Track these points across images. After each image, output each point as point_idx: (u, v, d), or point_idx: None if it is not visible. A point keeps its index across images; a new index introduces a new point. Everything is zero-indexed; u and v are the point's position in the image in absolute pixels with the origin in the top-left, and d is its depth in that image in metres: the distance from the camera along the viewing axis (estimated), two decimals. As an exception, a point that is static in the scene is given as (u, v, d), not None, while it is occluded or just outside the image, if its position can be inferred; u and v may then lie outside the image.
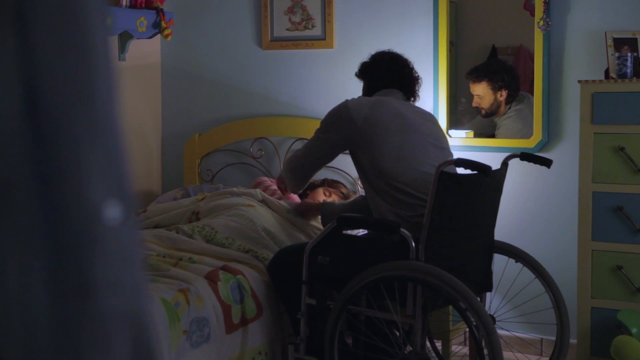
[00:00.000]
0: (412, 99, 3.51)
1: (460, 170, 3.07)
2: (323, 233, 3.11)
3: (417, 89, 3.54)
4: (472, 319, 2.82)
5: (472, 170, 2.88)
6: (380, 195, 3.18)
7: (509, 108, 4.19)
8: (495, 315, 3.38)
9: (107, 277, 0.63)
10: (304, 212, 3.93)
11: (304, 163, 3.46)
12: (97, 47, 0.66)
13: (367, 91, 3.54)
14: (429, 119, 3.43)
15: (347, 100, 3.37)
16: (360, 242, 3.10)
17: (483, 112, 4.23)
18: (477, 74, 4.21)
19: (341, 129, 3.28)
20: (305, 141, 3.70)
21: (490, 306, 3.53)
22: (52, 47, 0.64)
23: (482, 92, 4.20)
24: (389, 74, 3.48)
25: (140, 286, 0.65)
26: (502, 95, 4.18)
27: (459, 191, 2.93)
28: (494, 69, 4.20)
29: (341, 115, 3.28)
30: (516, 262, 3.36)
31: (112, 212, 0.64)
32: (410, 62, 3.57)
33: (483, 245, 3.19)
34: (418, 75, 3.56)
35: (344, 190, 4.36)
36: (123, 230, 0.64)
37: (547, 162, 3.27)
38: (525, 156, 3.28)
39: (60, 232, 0.62)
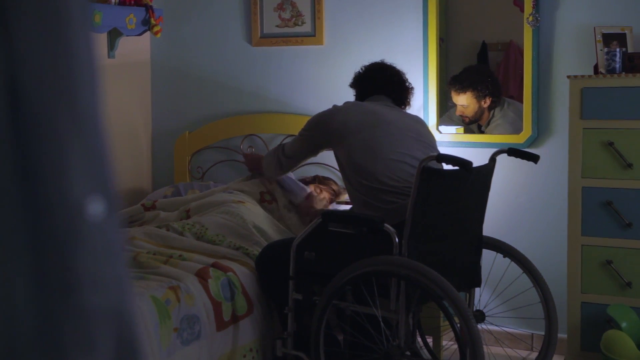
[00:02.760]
0: (402, 106, 3.64)
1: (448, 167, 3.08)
2: (309, 228, 3.15)
3: (408, 97, 3.66)
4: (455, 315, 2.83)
5: (454, 165, 2.91)
6: (356, 188, 3.29)
7: (492, 114, 4.19)
8: (485, 310, 3.39)
9: (90, 273, 0.63)
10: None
11: (290, 155, 3.67)
12: (79, 45, 0.66)
13: (357, 99, 3.70)
14: (415, 119, 3.54)
15: (334, 106, 3.56)
16: (344, 238, 3.12)
17: (467, 120, 4.23)
18: (461, 84, 4.16)
19: (321, 130, 3.51)
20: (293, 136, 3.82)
21: (479, 301, 3.54)
22: (33, 45, 0.63)
23: (466, 102, 4.18)
24: (377, 82, 3.63)
25: (123, 282, 0.65)
26: (486, 102, 4.18)
27: (443, 187, 2.95)
28: (477, 77, 4.17)
29: (322, 119, 3.52)
30: (504, 257, 3.37)
31: (95, 208, 0.64)
32: (402, 72, 3.69)
33: (470, 240, 3.20)
34: (410, 85, 3.68)
35: (334, 187, 4.37)
36: (106, 227, 0.64)
37: (534, 158, 3.30)
38: (513, 152, 3.30)
39: (42, 228, 0.62)
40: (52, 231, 0.62)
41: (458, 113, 4.23)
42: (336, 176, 4.49)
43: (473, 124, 4.24)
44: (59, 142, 0.63)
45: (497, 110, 4.18)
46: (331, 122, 3.44)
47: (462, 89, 4.18)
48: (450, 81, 4.22)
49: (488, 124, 4.21)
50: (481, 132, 4.24)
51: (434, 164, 3.03)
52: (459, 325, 2.82)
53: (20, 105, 0.62)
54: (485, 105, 4.18)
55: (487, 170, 3.19)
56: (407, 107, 3.67)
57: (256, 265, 3.49)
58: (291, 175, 4.27)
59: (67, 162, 0.63)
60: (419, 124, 3.51)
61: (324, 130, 3.48)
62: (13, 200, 0.61)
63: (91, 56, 0.68)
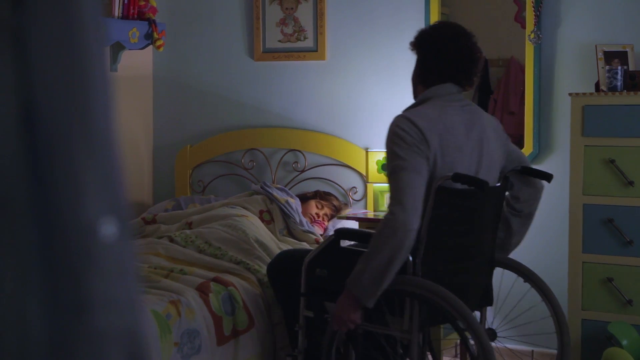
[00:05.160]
0: (468, 86, 2.98)
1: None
2: (321, 245, 3.06)
3: (476, 74, 2.97)
4: (469, 336, 2.79)
5: (469, 185, 2.83)
6: None
7: None
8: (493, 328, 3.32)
9: (102, 293, 0.63)
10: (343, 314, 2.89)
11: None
12: (94, 65, 0.67)
13: (419, 77, 2.98)
14: (482, 129, 2.94)
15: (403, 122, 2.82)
16: (357, 255, 3.00)
17: None
18: None
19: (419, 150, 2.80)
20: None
21: (493, 320, 3.49)
22: (49, 64, 0.64)
23: None
24: (444, 61, 2.90)
25: (135, 303, 0.66)
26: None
27: (458, 206, 2.83)
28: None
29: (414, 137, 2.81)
30: (505, 270, 3.32)
31: (108, 229, 0.64)
32: (473, 36, 2.94)
33: (485, 260, 3.14)
34: (479, 53, 2.96)
35: (335, 203, 4.37)
36: (118, 247, 0.65)
37: (547, 177, 3.09)
38: (526, 170, 3.11)
39: (56, 248, 0.63)
40: (65, 252, 0.62)
41: None
42: (337, 192, 4.49)
43: None
44: (74, 163, 0.63)
45: None
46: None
47: None
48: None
49: None
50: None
51: (448, 182, 2.79)
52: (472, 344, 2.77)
53: (36, 126, 0.63)
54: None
55: (501, 190, 3.11)
56: (473, 85, 3.03)
57: (268, 273, 3.45)
58: (297, 202, 4.27)
59: (81, 183, 0.63)
60: (484, 135, 2.92)
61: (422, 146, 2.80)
62: (27, 221, 0.62)
63: (105, 77, 0.68)
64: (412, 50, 3.02)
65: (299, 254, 3.31)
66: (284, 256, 3.43)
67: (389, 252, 2.65)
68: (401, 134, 2.74)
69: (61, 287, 0.62)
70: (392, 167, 2.72)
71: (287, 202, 4.16)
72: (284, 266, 3.37)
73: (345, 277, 2.91)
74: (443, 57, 2.89)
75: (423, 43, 2.96)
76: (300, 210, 4.22)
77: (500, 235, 3.12)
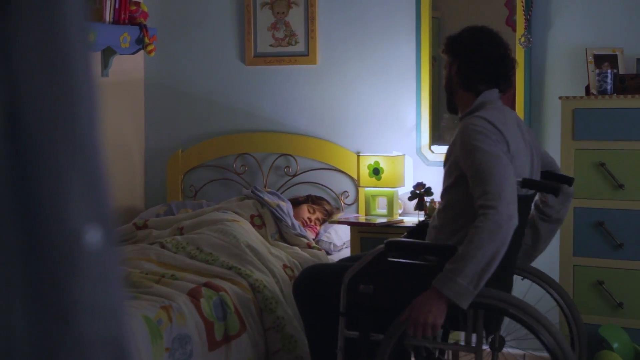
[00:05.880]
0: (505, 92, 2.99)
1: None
2: (366, 259, 2.78)
3: (512, 77, 3.00)
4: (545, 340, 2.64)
5: (542, 191, 2.76)
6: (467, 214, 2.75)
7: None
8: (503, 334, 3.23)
9: (87, 301, 0.63)
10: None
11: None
12: (79, 71, 0.67)
13: (462, 83, 2.89)
14: (528, 129, 3.01)
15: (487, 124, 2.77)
16: (411, 269, 2.77)
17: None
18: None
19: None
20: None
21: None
22: (32, 71, 0.64)
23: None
24: (489, 66, 2.87)
25: (120, 310, 0.66)
26: None
27: (520, 212, 2.67)
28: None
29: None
30: (523, 279, 3.25)
31: (93, 236, 0.64)
32: (506, 42, 2.95)
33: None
34: (512, 56, 2.97)
35: (327, 207, 4.37)
36: (103, 254, 0.65)
37: (568, 181, 3.03)
38: (546, 174, 3.00)
39: (40, 256, 0.62)
40: (49, 259, 0.62)
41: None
42: (329, 196, 4.50)
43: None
44: (58, 171, 0.63)
45: None
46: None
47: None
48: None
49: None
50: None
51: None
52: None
53: (19, 133, 0.62)
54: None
55: (533, 196, 2.95)
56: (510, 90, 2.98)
57: (294, 289, 3.13)
58: (289, 205, 4.26)
59: (65, 190, 0.63)
60: (533, 140, 2.94)
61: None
62: (11, 228, 0.62)
63: (91, 84, 0.68)
64: (448, 56, 2.93)
65: (330, 269, 3.10)
66: (313, 272, 3.10)
67: (494, 247, 2.52)
68: (483, 131, 2.67)
69: (45, 294, 0.62)
70: (481, 163, 2.61)
71: (278, 205, 4.16)
72: (313, 285, 3.03)
73: (396, 293, 2.75)
74: (487, 62, 2.86)
75: (464, 49, 2.88)
76: (292, 213, 4.22)
77: (527, 242, 3.04)
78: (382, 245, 2.75)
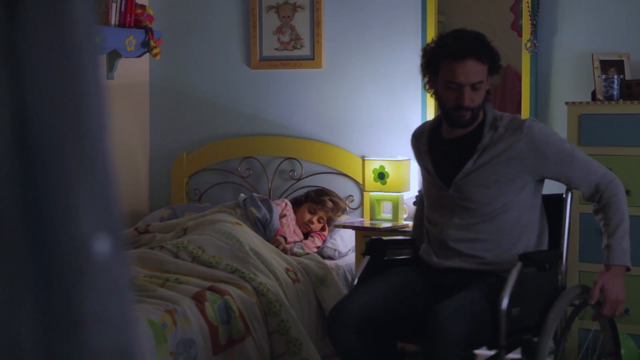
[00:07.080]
0: None
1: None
2: (511, 280, 2.58)
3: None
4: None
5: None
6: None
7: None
8: None
9: (95, 311, 0.63)
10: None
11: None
12: (88, 78, 0.66)
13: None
14: None
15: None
16: (542, 279, 2.81)
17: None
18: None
19: None
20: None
21: None
22: (42, 79, 0.63)
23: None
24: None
25: (128, 320, 0.65)
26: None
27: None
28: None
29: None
30: None
31: (101, 245, 0.63)
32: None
33: None
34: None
35: (329, 204, 4.27)
36: (112, 264, 0.64)
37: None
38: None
39: (49, 265, 0.62)
40: (58, 269, 0.62)
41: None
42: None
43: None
44: (67, 180, 0.63)
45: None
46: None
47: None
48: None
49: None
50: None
51: None
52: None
53: (29, 142, 0.62)
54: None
55: None
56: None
57: (333, 334, 2.73)
58: (289, 208, 4.23)
59: (74, 199, 0.63)
60: None
61: None
62: (19, 238, 0.61)
63: (99, 90, 0.68)
64: (492, 72, 2.94)
65: (374, 298, 2.74)
66: (351, 306, 2.70)
67: (626, 209, 2.85)
68: (551, 131, 2.88)
69: (54, 303, 0.62)
70: (572, 147, 2.87)
71: (260, 219, 4.09)
72: (364, 325, 2.69)
73: (543, 307, 2.71)
74: None
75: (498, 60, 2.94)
76: (293, 218, 4.21)
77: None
78: (520, 262, 2.63)
